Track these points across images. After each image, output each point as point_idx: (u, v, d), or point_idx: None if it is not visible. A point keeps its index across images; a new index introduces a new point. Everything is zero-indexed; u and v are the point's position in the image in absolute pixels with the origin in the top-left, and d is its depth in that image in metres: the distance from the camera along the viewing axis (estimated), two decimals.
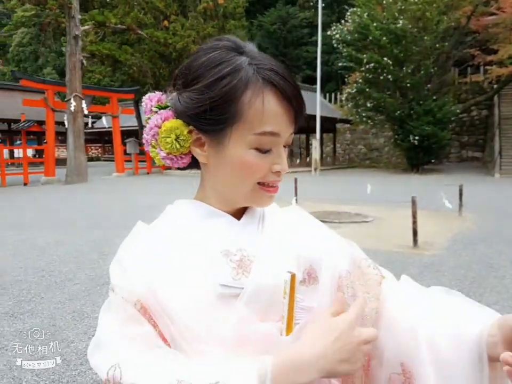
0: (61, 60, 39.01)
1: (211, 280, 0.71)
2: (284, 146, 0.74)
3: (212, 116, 0.70)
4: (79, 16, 18.35)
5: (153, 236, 0.77)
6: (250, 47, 0.73)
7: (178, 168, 0.79)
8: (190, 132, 0.73)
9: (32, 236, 7.24)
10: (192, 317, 0.69)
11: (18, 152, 28.50)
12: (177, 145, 0.73)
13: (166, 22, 22.16)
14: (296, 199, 10.98)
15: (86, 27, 19.64)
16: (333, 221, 8.30)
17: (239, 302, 0.70)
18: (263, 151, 0.71)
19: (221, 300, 0.71)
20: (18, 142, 31.84)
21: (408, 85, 19.95)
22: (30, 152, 24.44)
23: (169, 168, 0.81)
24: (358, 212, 9.24)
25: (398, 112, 20.33)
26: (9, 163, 23.06)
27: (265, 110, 0.68)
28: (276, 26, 38.43)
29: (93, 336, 0.76)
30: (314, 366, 0.63)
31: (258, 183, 0.73)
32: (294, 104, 0.69)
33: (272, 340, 0.70)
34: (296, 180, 11.43)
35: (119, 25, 20.22)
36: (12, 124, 29.00)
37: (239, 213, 0.79)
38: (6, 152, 23.40)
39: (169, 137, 0.72)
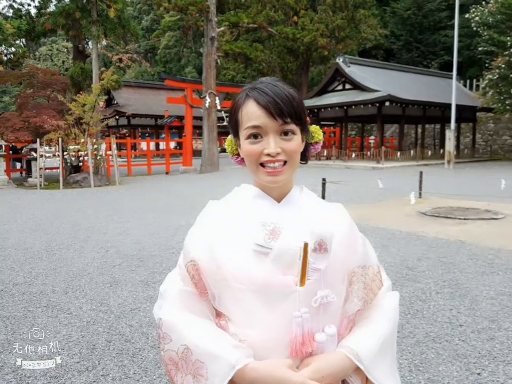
0: (200, 59, 42.08)
1: (251, 241, 1.01)
2: (286, 134, 1.03)
3: (232, 126, 1.12)
4: (215, 19, 19.79)
5: (218, 209, 1.13)
6: (264, 79, 1.09)
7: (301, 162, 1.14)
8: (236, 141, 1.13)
9: (168, 218, 8.26)
10: (236, 265, 1.00)
11: (163, 145, 31.80)
12: (229, 149, 1.17)
13: (295, 18, 22.60)
14: (420, 193, 10.53)
15: (221, 28, 21.06)
16: (456, 217, 7.86)
17: (267, 258, 1.00)
18: (253, 138, 1.03)
19: (256, 255, 1.00)
20: (162, 136, 35.43)
21: None
22: (172, 144, 27.06)
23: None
24: (489, 209, 8.58)
25: None
26: (155, 154, 25.94)
27: (247, 113, 1.03)
28: (410, 11, 36.41)
29: None
30: None
31: (261, 164, 1.03)
32: (269, 106, 1.00)
33: (289, 288, 0.98)
34: (421, 173, 10.90)
35: (251, 24, 21.27)
36: (158, 119, 32.47)
37: (281, 198, 1.10)
38: (152, 144, 26.30)
39: (229, 145, 1.17)
